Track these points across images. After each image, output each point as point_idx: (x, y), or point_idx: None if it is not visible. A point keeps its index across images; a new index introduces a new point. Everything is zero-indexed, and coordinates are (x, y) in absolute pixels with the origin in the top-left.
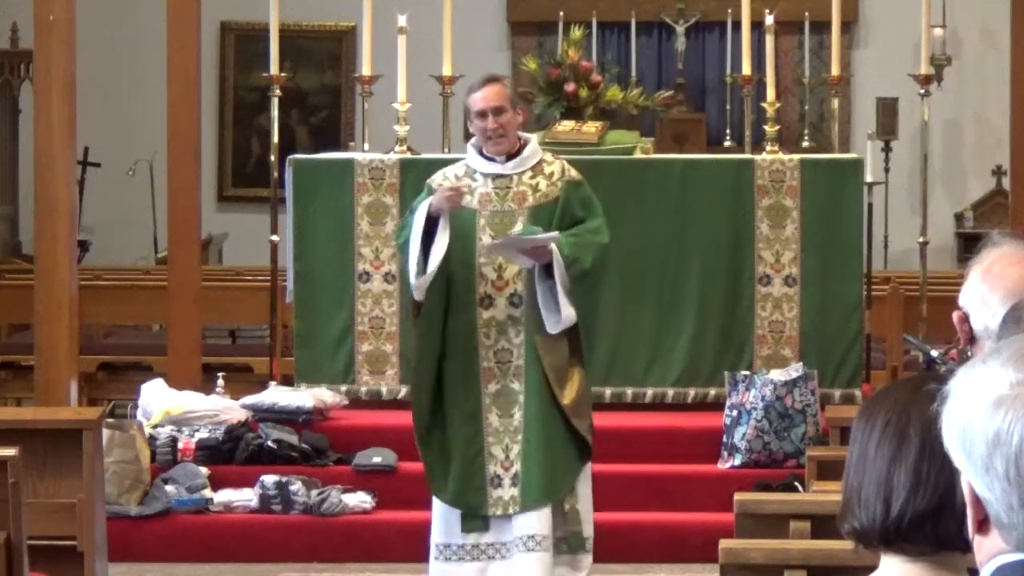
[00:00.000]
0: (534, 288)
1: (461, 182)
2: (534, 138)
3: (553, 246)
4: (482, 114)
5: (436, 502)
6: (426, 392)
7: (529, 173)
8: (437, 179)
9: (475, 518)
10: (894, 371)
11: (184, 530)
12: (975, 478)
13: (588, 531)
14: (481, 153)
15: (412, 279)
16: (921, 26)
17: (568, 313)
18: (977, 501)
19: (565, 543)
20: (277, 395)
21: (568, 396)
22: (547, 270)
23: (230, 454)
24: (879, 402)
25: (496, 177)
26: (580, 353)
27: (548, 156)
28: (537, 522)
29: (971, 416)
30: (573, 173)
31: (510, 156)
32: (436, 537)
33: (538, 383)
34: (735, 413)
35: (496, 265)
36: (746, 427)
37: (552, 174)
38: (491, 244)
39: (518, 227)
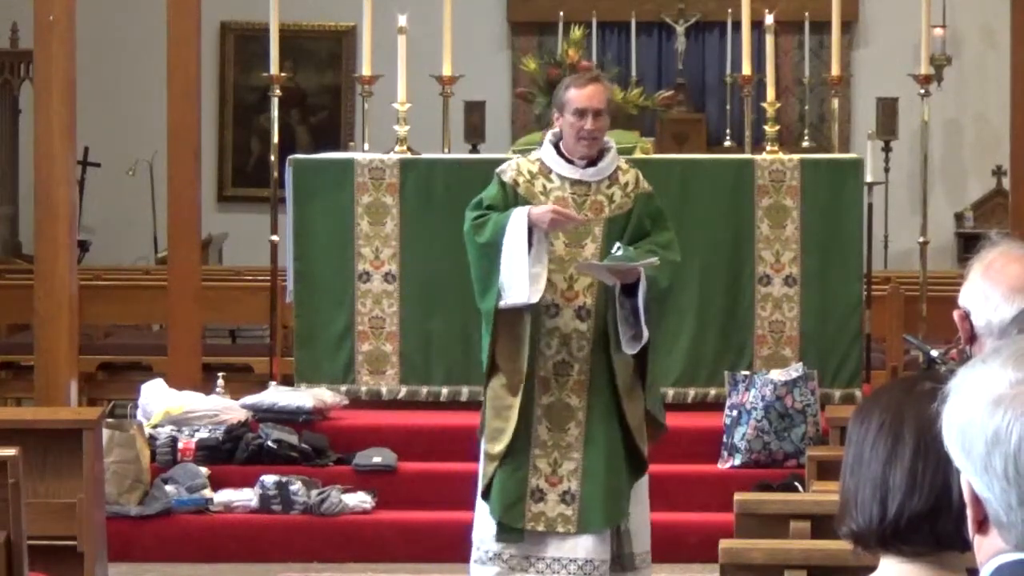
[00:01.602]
0: (605, 304)
1: (536, 181)
2: (614, 144)
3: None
4: (581, 112)
5: (480, 502)
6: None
7: (607, 182)
8: (509, 172)
9: (511, 530)
10: (894, 371)
11: (184, 530)
12: (974, 477)
13: (641, 547)
14: (558, 151)
15: (515, 297)
16: (921, 26)
17: (646, 333)
18: (976, 500)
19: (619, 563)
20: (277, 395)
21: (635, 416)
22: (625, 289)
23: (230, 454)
24: (873, 403)
25: (575, 183)
26: (643, 372)
27: (623, 164)
28: (598, 547)
29: (970, 415)
30: (646, 184)
31: (590, 162)
32: (476, 534)
33: (607, 402)
34: (735, 413)
35: (567, 275)
36: (746, 427)
37: (627, 184)
38: (588, 264)
39: (619, 249)
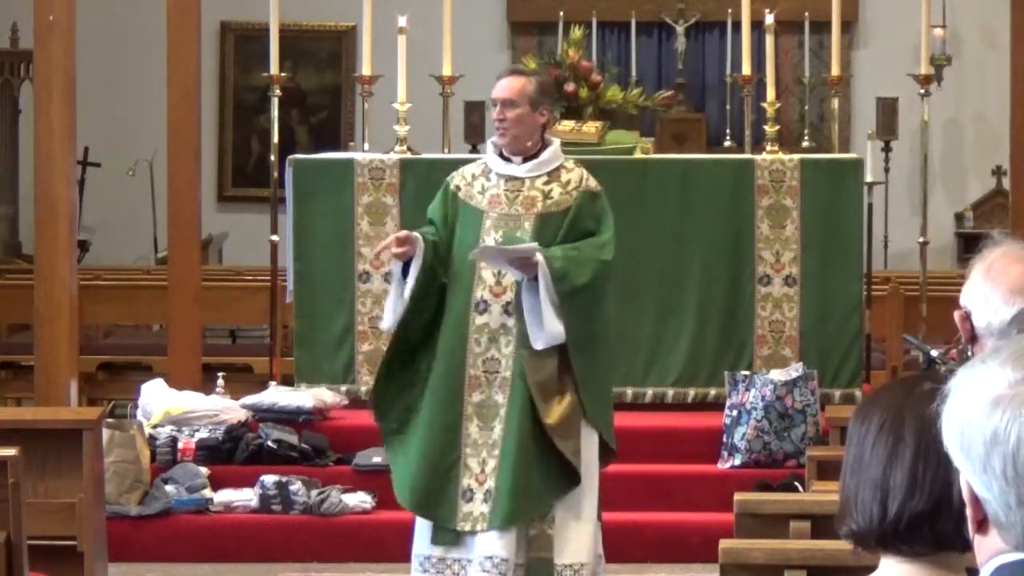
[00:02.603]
0: None
1: (476, 182)
2: (557, 143)
3: (540, 259)
4: (495, 103)
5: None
6: (398, 382)
7: (544, 178)
8: (455, 179)
9: (446, 531)
10: (894, 371)
11: (184, 530)
12: (973, 477)
13: (570, 557)
14: (501, 154)
15: (385, 322)
16: (921, 26)
17: (554, 329)
18: (976, 501)
19: (523, 569)
20: (277, 395)
21: (553, 416)
22: (536, 282)
23: (230, 454)
24: (874, 404)
25: (509, 179)
26: (572, 371)
27: (569, 163)
28: (500, 544)
29: (969, 415)
30: (591, 183)
31: (527, 158)
32: (415, 547)
33: (523, 399)
34: (735, 413)
35: (496, 270)
36: (746, 427)
37: (568, 182)
38: (475, 252)
39: (498, 236)
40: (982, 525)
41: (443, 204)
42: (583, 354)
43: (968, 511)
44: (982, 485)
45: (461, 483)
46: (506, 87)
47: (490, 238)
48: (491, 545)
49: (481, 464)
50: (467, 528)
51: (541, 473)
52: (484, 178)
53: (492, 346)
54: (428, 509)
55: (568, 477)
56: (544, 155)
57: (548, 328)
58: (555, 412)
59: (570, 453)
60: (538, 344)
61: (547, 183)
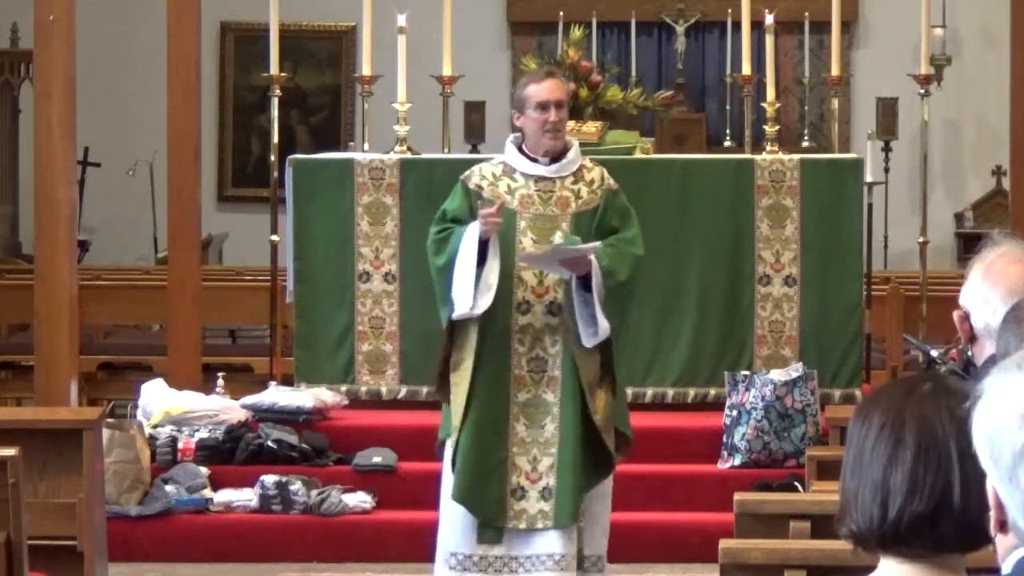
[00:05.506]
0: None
1: (499, 182)
2: (576, 142)
3: (592, 258)
4: (544, 106)
5: (448, 507)
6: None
7: (571, 178)
8: (474, 179)
9: (491, 529)
10: (894, 371)
11: (184, 530)
12: (999, 484)
13: (593, 550)
14: (522, 151)
15: (461, 308)
16: (921, 26)
17: (604, 327)
18: (1000, 504)
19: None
20: (277, 395)
21: (600, 411)
22: (583, 281)
23: (230, 454)
24: (874, 404)
25: (539, 179)
26: (611, 367)
27: (587, 162)
28: (562, 541)
29: (999, 424)
30: (611, 181)
31: (553, 158)
32: (448, 545)
33: (575, 396)
34: (735, 413)
35: (536, 270)
36: (746, 427)
37: (592, 181)
38: (530, 255)
39: (558, 237)
40: (1004, 526)
41: (466, 203)
42: (615, 347)
43: (991, 512)
44: (1006, 493)
45: (510, 481)
46: (558, 88)
47: (527, 239)
48: (554, 543)
49: (532, 462)
50: (522, 526)
51: (590, 469)
52: (509, 178)
53: (537, 345)
54: (481, 510)
55: (604, 468)
56: (570, 155)
57: (601, 326)
58: (601, 407)
59: (611, 445)
60: (590, 342)
61: (574, 183)
